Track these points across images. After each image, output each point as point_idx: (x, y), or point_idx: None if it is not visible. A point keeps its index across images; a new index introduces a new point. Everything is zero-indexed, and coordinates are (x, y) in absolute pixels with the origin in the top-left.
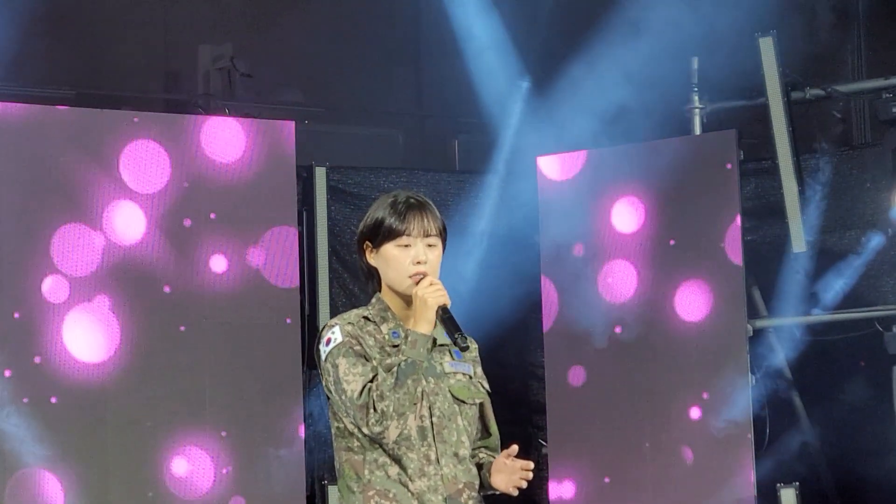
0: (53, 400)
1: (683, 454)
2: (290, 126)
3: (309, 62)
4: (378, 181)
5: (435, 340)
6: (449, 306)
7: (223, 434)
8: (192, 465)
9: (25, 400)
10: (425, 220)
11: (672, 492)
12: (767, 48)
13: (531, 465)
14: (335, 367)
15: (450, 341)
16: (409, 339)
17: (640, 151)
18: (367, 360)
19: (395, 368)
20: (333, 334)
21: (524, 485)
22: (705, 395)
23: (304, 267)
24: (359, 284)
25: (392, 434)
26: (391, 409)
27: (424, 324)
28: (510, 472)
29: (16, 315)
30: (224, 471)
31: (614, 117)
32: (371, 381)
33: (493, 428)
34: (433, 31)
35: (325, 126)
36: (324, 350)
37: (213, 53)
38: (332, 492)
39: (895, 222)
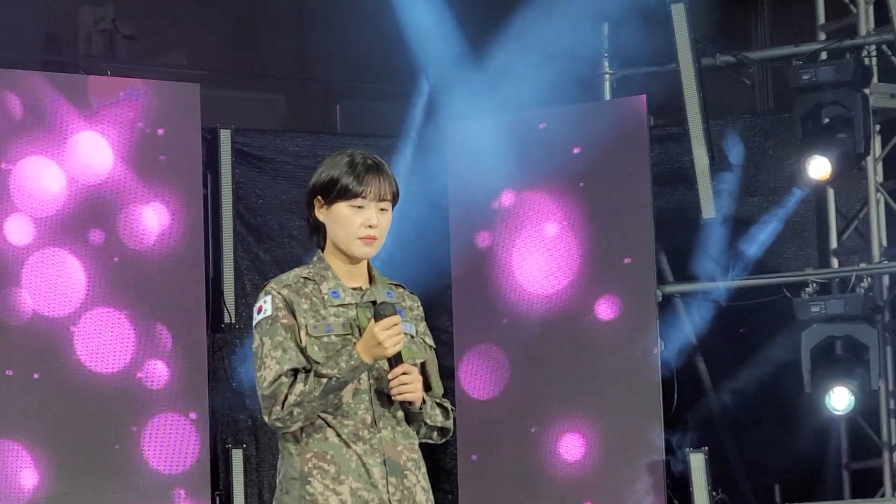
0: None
1: (591, 420)
2: (195, 88)
3: (191, 25)
4: (283, 144)
5: (375, 301)
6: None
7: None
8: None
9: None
10: (381, 182)
11: (581, 457)
12: (679, 15)
13: (396, 373)
14: (261, 343)
15: (390, 300)
16: (353, 361)
17: (550, 117)
18: (291, 345)
19: (324, 381)
20: (265, 304)
21: (401, 392)
22: (612, 362)
23: (208, 230)
24: (263, 247)
25: (290, 430)
26: (302, 416)
27: (371, 357)
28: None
29: None
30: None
31: (526, 84)
32: (285, 375)
33: (435, 383)
34: None
35: (208, 89)
36: (255, 317)
37: (94, 15)
38: (237, 455)
39: (805, 186)
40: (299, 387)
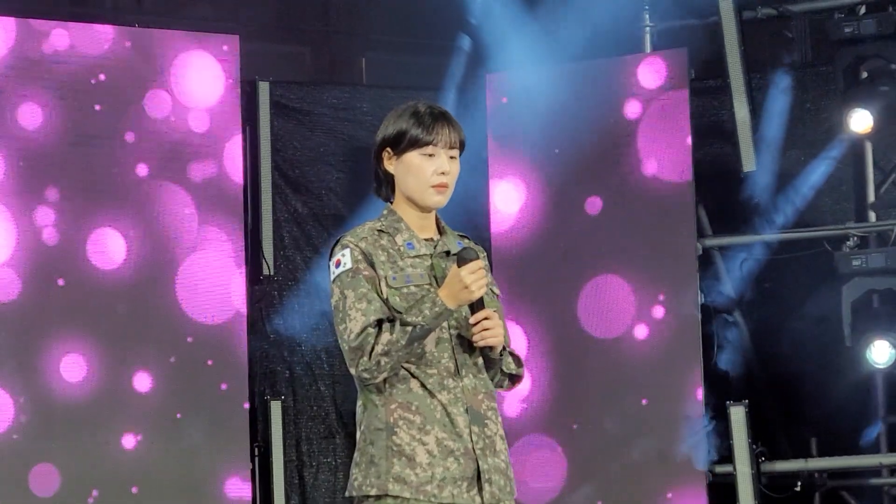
0: None
1: (632, 372)
2: (234, 40)
3: None
4: (321, 96)
5: (448, 252)
6: None
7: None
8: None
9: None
10: (451, 131)
11: (621, 408)
12: None
13: (479, 317)
14: (343, 296)
15: (459, 249)
16: (436, 308)
17: (591, 69)
18: (374, 296)
19: (410, 329)
20: (344, 257)
21: (484, 338)
22: (655, 314)
23: (247, 181)
24: (300, 200)
25: (376, 381)
26: (389, 366)
27: (455, 303)
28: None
29: None
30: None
31: (566, 37)
32: (371, 326)
33: (504, 332)
34: None
35: None
36: (332, 271)
37: None
38: (275, 407)
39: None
40: (385, 336)
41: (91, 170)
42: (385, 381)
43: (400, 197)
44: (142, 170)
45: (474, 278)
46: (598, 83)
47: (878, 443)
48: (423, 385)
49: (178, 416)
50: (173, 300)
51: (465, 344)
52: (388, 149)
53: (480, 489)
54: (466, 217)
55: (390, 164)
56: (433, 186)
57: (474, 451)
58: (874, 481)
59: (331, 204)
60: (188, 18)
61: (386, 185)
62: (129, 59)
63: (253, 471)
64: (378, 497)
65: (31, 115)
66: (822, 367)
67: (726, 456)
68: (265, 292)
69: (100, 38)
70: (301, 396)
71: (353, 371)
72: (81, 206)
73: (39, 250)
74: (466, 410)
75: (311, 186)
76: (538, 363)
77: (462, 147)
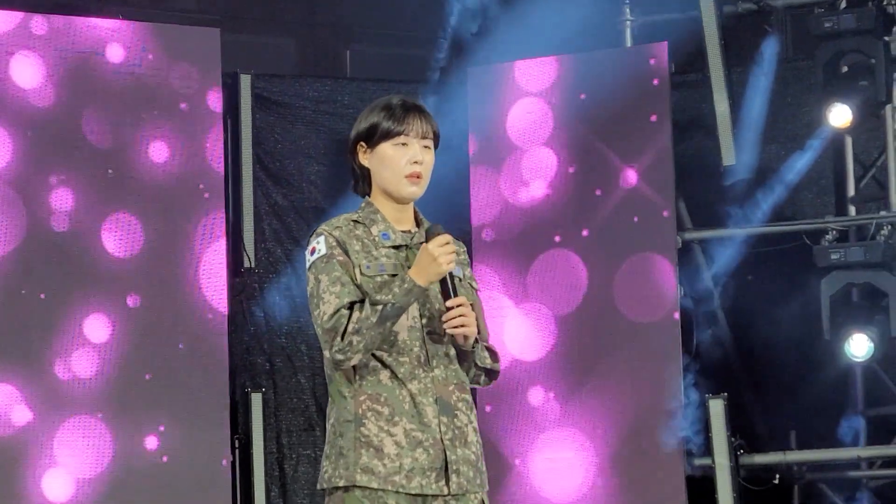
0: None
1: (612, 364)
2: (215, 34)
3: None
4: (302, 89)
5: (423, 243)
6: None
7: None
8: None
9: None
10: (423, 121)
11: (600, 401)
12: None
13: (452, 303)
14: (317, 281)
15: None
16: (406, 285)
17: (570, 63)
18: (348, 280)
19: (380, 307)
20: (318, 244)
21: (454, 326)
22: (633, 307)
23: (228, 174)
24: (281, 192)
25: (351, 364)
26: (362, 345)
27: (425, 279)
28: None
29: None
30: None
31: (547, 30)
32: (345, 308)
33: (482, 326)
34: None
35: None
36: (308, 259)
37: None
38: (256, 399)
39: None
40: (356, 315)
41: (92, 159)
42: (355, 371)
43: (376, 190)
44: (128, 163)
45: (442, 251)
46: (577, 76)
47: (857, 435)
48: (394, 375)
49: (166, 406)
50: (168, 295)
51: (436, 335)
52: (362, 143)
53: (448, 480)
54: (450, 212)
55: (365, 158)
56: (407, 176)
57: (443, 441)
58: (853, 474)
59: (311, 196)
60: (171, 10)
61: (363, 180)
62: (122, 52)
63: (233, 463)
64: (347, 488)
65: (40, 98)
66: (800, 360)
67: (705, 449)
68: (246, 284)
69: (96, 30)
70: (281, 388)
71: (326, 353)
72: (89, 193)
73: (49, 236)
74: (436, 401)
75: (291, 179)
76: (564, 345)
77: (436, 139)
